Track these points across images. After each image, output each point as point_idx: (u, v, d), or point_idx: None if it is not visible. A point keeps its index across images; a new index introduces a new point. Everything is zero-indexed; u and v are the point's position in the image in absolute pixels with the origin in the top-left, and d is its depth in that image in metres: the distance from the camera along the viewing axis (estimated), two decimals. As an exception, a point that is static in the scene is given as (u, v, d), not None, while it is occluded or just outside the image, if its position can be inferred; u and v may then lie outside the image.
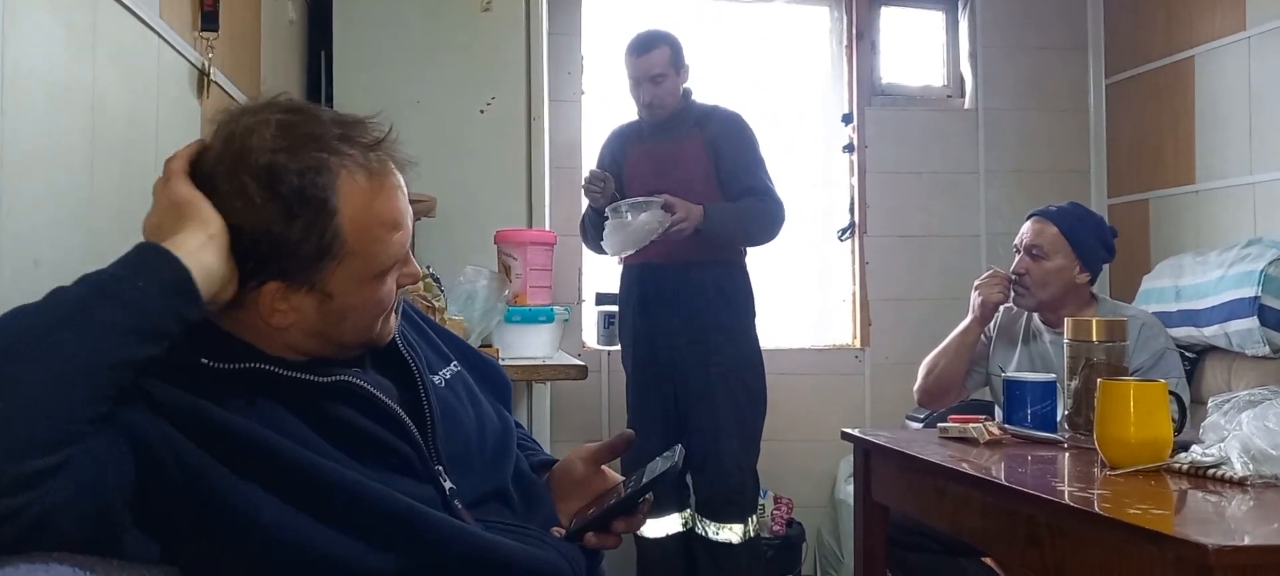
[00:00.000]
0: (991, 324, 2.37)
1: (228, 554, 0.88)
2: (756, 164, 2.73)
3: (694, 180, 2.67)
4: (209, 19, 1.77)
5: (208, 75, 1.77)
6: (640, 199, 2.59)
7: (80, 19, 1.27)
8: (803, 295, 3.71)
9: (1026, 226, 2.29)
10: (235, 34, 2.02)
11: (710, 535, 2.67)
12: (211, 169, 0.91)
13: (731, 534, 2.66)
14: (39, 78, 1.16)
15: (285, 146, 0.90)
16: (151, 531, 0.85)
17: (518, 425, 1.24)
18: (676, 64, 2.71)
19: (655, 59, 2.68)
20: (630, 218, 2.56)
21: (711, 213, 2.60)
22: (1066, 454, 1.55)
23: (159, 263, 0.84)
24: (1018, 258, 2.26)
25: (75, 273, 1.17)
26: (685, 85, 2.77)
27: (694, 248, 2.63)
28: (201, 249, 0.86)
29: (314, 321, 0.95)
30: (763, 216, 2.68)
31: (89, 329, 0.78)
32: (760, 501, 3.20)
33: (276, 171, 0.89)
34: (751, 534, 2.69)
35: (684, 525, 2.76)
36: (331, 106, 2.70)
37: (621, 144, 2.85)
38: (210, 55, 1.78)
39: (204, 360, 0.92)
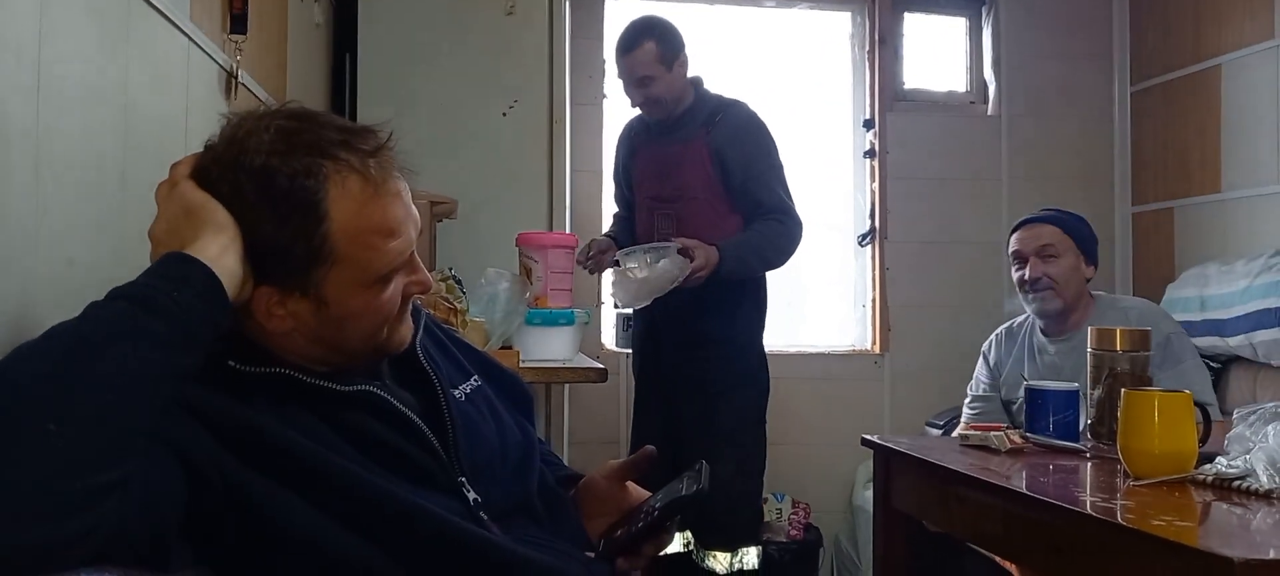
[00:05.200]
0: (991, 354, 2.33)
1: (261, 561, 0.89)
2: (769, 174, 2.51)
3: (697, 188, 2.51)
4: (238, 22, 1.79)
5: (236, 77, 1.79)
6: (656, 245, 2.42)
7: (113, 21, 1.29)
8: (822, 300, 3.70)
9: (1020, 234, 2.24)
10: (263, 37, 2.04)
11: (697, 561, 2.52)
12: (211, 171, 0.91)
13: (715, 563, 2.49)
14: (73, 79, 1.18)
15: (281, 149, 0.90)
16: (191, 540, 0.86)
17: (541, 440, 1.24)
18: (667, 59, 2.47)
19: (640, 58, 2.46)
20: (640, 270, 2.36)
21: (728, 253, 2.41)
22: (1089, 463, 1.54)
23: (190, 271, 0.84)
24: (1028, 264, 2.19)
25: (108, 273, 1.19)
26: (693, 76, 2.56)
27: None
28: (223, 253, 0.86)
29: (313, 327, 0.94)
30: (780, 240, 2.49)
31: (135, 342, 0.78)
32: (771, 518, 3.16)
33: (269, 173, 0.89)
34: (742, 567, 2.49)
35: (685, 546, 2.59)
36: (355, 109, 2.73)
37: (629, 143, 2.71)
38: (238, 57, 1.80)
39: (232, 363, 0.93)
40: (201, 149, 0.94)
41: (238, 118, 0.94)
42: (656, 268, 2.36)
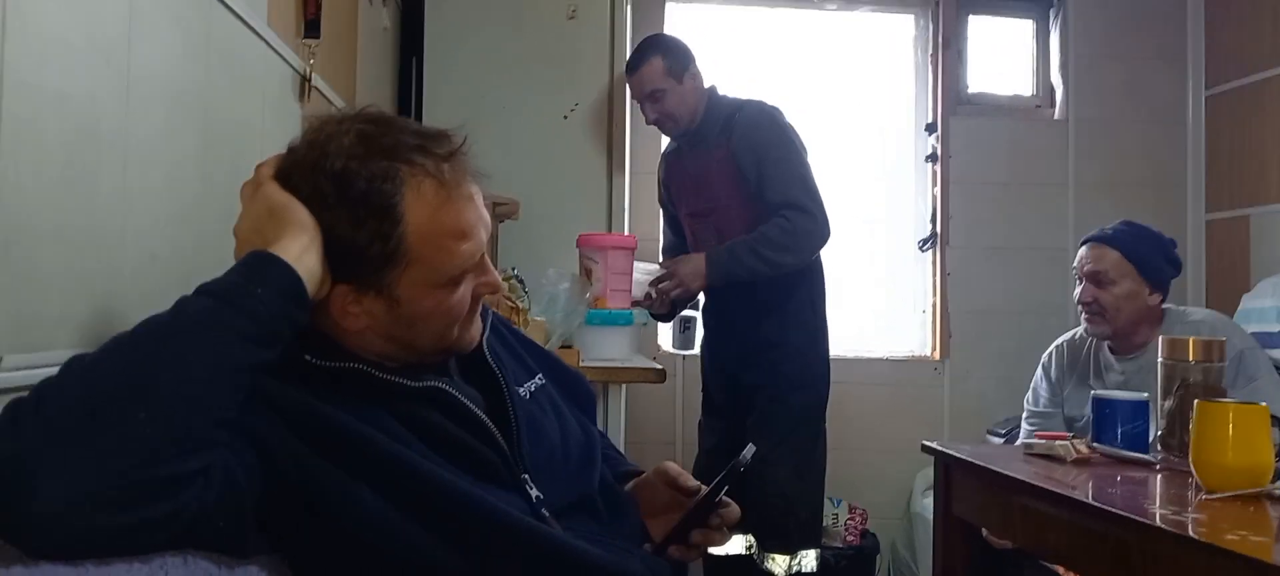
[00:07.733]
0: (1053, 368, 2.28)
1: (331, 550, 0.91)
2: (779, 169, 2.42)
3: (726, 197, 2.49)
4: (311, 27, 1.84)
5: (309, 80, 1.84)
6: (660, 264, 2.57)
7: (196, 27, 1.34)
8: (882, 304, 3.66)
9: (1083, 252, 2.18)
10: (334, 41, 2.10)
11: (758, 563, 2.49)
12: (293, 172, 0.94)
13: (774, 566, 2.46)
14: (160, 83, 1.23)
15: (360, 153, 0.93)
16: (267, 528, 0.89)
17: (602, 434, 1.26)
18: (676, 72, 2.46)
19: (646, 75, 2.45)
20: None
21: (716, 262, 2.38)
22: (1158, 475, 1.50)
23: (272, 269, 0.87)
24: (1081, 286, 2.15)
25: (188, 269, 1.24)
26: (708, 85, 2.53)
27: None
28: (305, 253, 0.89)
29: (385, 325, 0.97)
30: (782, 238, 2.37)
31: (218, 336, 0.81)
32: (828, 523, 3.13)
33: (348, 176, 0.92)
34: (800, 570, 2.46)
35: (747, 548, 2.56)
36: (421, 111, 2.78)
37: (666, 165, 2.71)
38: (311, 61, 1.85)
39: (308, 357, 0.96)
40: (285, 151, 0.97)
41: (319, 121, 0.97)
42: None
